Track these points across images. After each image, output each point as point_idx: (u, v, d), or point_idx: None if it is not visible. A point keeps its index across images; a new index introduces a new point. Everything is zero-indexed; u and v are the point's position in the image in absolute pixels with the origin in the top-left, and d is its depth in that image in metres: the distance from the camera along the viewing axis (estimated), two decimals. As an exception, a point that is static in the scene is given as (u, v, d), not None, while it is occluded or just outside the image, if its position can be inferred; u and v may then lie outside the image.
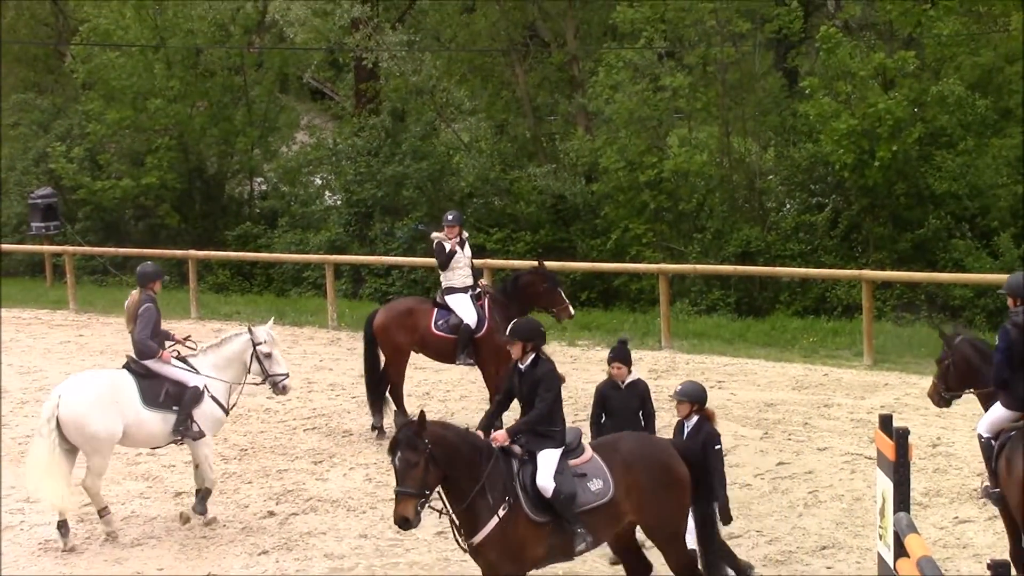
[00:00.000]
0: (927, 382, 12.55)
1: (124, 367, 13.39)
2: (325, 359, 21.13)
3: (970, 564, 11.51)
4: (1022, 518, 10.58)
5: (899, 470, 9.03)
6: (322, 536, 12.94)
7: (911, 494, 9.23)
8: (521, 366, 10.17)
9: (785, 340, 21.53)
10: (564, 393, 17.48)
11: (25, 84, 38.44)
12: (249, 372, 13.46)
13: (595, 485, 9.90)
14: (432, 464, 9.32)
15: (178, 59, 33.57)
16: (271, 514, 13.59)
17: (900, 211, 25.93)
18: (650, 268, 23.89)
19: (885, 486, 9.31)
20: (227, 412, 13.53)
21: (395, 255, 28.48)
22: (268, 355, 13.41)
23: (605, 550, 11.10)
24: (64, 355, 22.05)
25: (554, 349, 20.97)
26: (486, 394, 16.57)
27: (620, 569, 11.53)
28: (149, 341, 13.20)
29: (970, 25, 26.91)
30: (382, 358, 16.50)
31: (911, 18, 26.53)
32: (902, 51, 25.88)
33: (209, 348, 13.53)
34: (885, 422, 9.45)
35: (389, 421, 16.28)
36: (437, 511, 9.72)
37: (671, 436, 11.34)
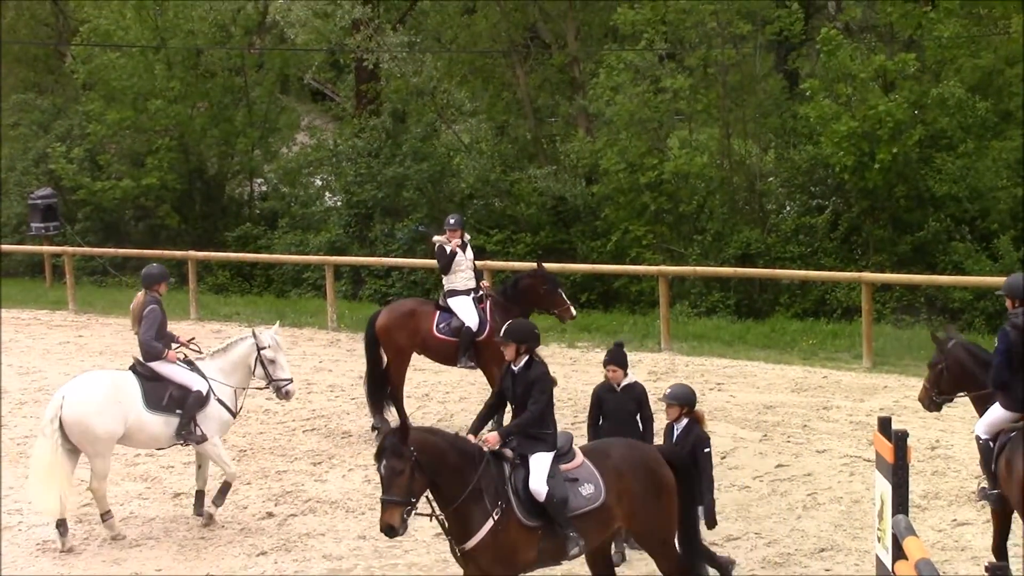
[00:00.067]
0: (926, 385, 12.53)
1: (130, 369, 13.37)
2: (324, 360, 21.13)
3: (968, 567, 11.50)
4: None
5: (898, 472, 9.02)
6: (321, 537, 12.94)
7: (910, 496, 9.21)
8: (514, 368, 10.13)
9: (785, 342, 21.54)
10: (564, 395, 17.70)
11: (25, 84, 38.45)
12: (253, 376, 13.47)
13: (586, 490, 9.88)
14: (418, 471, 9.27)
15: (179, 60, 33.58)
16: (270, 515, 13.59)
17: (900, 213, 25.92)
18: (650, 270, 23.88)
19: (884, 488, 9.31)
20: (235, 415, 13.53)
21: (395, 256, 28.47)
22: (272, 360, 13.42)
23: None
24: (63, 356, 22.06)
25: (553, 351, 21.01)
26: (487, 396, 16.54)
27: (620, 570, 11.53)
28: (154, 342, 13.21)
29: (970, 27, 26.90)
30: (384, 359, 16.50)
31: (911, 20, 26.55)
32: (902, 53, 25.89)
33: (216, 352, 13.56)
34: (884, 424, 9.44)
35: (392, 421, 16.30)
36: (427, 516, 9.68)
37: (663, 439, 11.35)
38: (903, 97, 25.42)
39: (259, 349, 13.36)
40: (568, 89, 31.22)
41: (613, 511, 10.00)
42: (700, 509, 10.74)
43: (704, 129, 29.27)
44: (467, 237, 16.85)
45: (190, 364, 13.33)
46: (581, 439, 11.86)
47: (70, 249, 28.85)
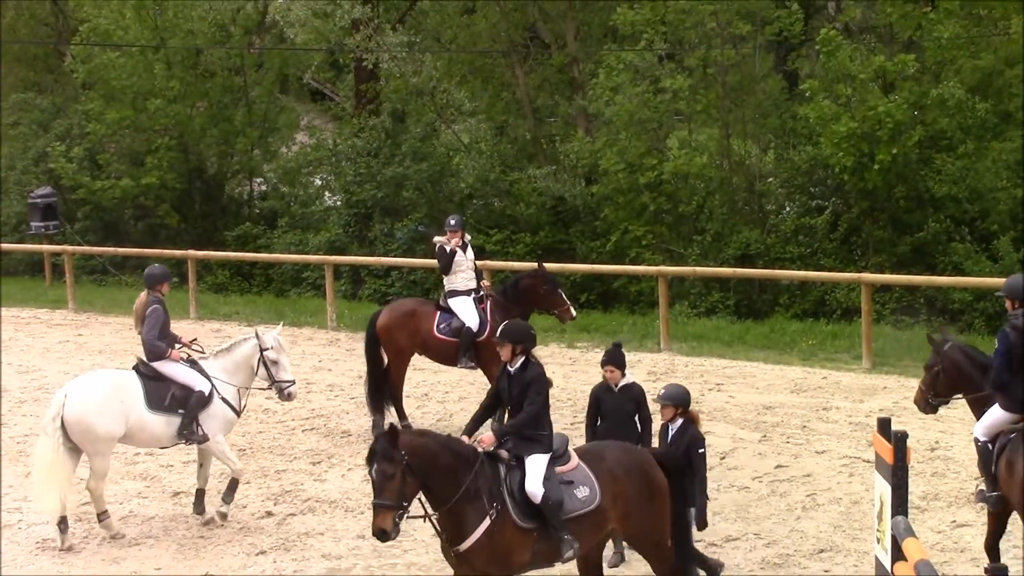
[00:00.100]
0: (925, 386, 12.53)
1: (133, 369, 13.37)
2: (324, 360, 21.13)
3: (968, 568, 11.50)
4: None
5: (897, 474, 9.02)
6: (320, 537, 12.94)
7: (909, 498, 9.21)
8: (511, 369, 10.10)
9: (784, 343, 21.54)
10: (563, 395, 17.71)
11: (25, 83, 38.45)
12: (256, 376, 13.48)
13: (582, 493, 9.86)
14: (409, 475, 9.25)
15: (178, 59, 33.58)
16: (269, 514, 13.60)
17: (900, 214, 25.92)
18: (649, 270, 23.87)
19: (883, 489, 9.31)
20: (238, 413, 13.54)
21: (394, 256, 28.47)
22: (275, 362, 13.43)
23: (604, 552, 11.08)
24: (63, 354, 22.07)
25: (553, 351, 21.02)
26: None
27: (619, 570, 11.54)
28: (157, 342, 13.22)
29: (970, 28, 26.90)
30: (384, 359, 16.50)
31: (911, 21, 26.55)
32: (902, 54, 25.89)
33: (219, 352, 13.57)
34: (884, 425, 9.44)
35: (392, 420, 16.31)
36: (420, 517, 9.63)
37: (658, 439, 11.35)
38: (903, 98, 25.42)
39: (262, 350, 13.36)
40: (568, 89, 31.22)
41: (607, 514, 10.00)
42: (691, 511, 10.73)
43: (704, 129, 29.27)
44: (468, 238, 16.85)
45: (193, 363, 13.34)
46: (579, 439, 11.87)
47: (70, 248, 28.85)
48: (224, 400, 13.26)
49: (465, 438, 9.98)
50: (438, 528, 9.68)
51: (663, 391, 11.27)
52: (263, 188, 35.22)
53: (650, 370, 19.37)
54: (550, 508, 9.68)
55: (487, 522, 9.50)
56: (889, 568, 9.07)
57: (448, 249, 16.38)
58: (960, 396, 11.54)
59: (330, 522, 13.34)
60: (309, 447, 16.06)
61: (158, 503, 14.11)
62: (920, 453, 14.47)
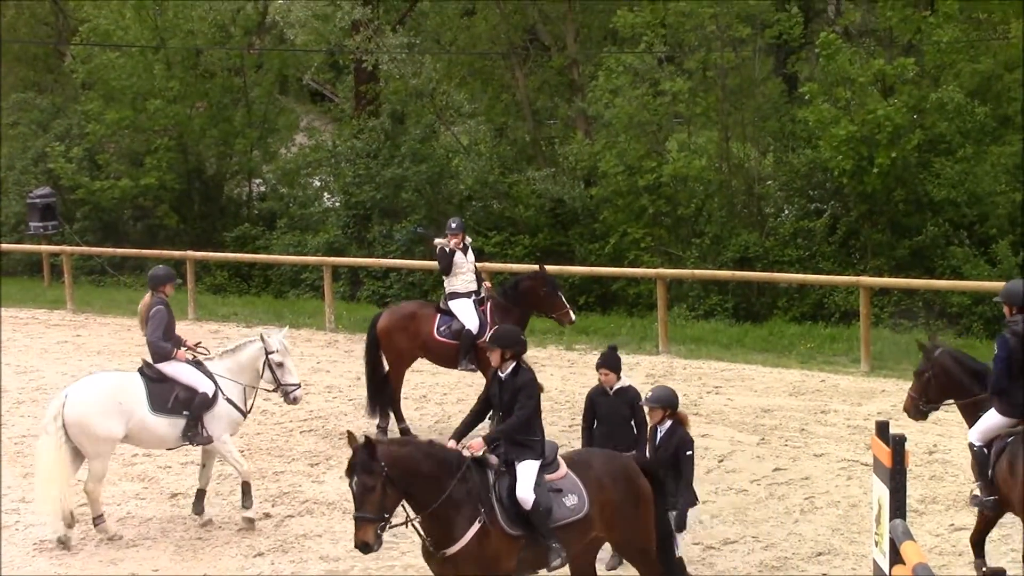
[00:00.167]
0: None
1: (138, 371, 13.37)
2: (322, 361, 21.13)
3: (966, 571, 11.50)
4: None
5: (895, 477, 9.01)
6: (318, 538, 12.93)
7: (907, 501, 9.21)
8: (501, 374, 10.07)
9: (782, 346, 21.54)
10: (561, 397, 17.71)
11: (25, 83, 38.46)
12: (261, 379, 13.47)
13: (570, 501, 9.83)
14: (390, 486, 9.18)
15: (178, 60, 33.60)
16: (267, 516, 13.59)
17: (898, 218, 25.93)
18: (648, 273, 23.87)
19: (881, 492, 9.31)
20: (244, 414, 13.54)
21: (393, 258, 28.47)
22: (280, 364, 13.42)
23: (603, 554, 11.09)
24: (61, 355, 22.06)
25: (551, 353, 21.03)
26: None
27: (617, 572, 11.54)
28: (162, 343, 13.23)
29: (970, 32, 26.93)
30: (384, 361, 16.51)
31: (911, 25, 26.57)
32: (901, 58, 25.89)
33: (224, 353, 13.58)
34: (882, 428, 9.44)
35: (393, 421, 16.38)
36: (402, 524, 9.56)
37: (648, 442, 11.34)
38: (902, 101, 25.43)
39: (267, 353, 13.36)
40: (567, 91, 31.24)
41: (594, 522, 9.98)
42: (672, 514, 10.69)
43: (703, 132, 29.28)
44: (468, 240, 16.85)
45: (198, 364, 13.34)
46: (576, 442, 11.87)
47: (68, 248, 28.84)
48: (229, 401, 13.26)
49: (453, 443, 9.94)
50: (421, 532, 9.63)
51: (650, 393, 11.26)
52: (262, 189, 35.22)
53: (648, 372, 19.37)
54: (539, 515, 9.64)
55: (475, 527, 9.45)
56: (887, 571, 9.07)
57: (448, 249, 16.39)
58: (951, 402, 11.54)
59: (328, 524, 13.34)
60: (307, 449, 16.05)
61: (156, 504, 14.10)
62: (918, 456, 14.47)
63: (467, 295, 16.38)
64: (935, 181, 25.51)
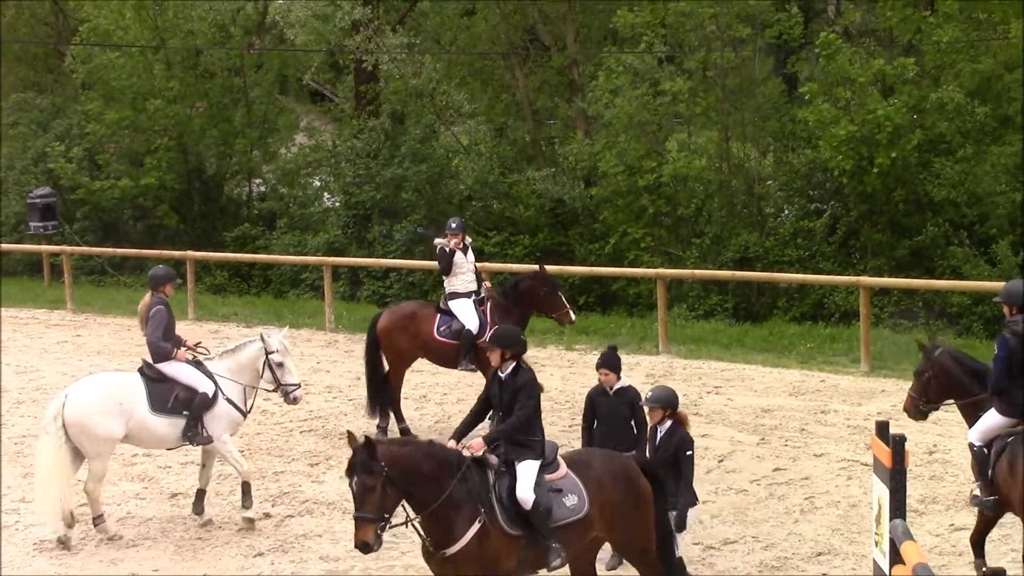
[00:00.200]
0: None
1: (138, 371, 13.37)
2: (322, 361, 21.13)
3: (966, 571, 11.50)
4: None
5: (895, 477, 9.02)
6: (318, 539, 12.93)
7: (907, 501, 9.21)
8: (501, 374, 10.06)
9: (782, 346, 21.54)
10: (562, 397, 17.71)
11: (25, 83, 38.46)
12: (261, 379, 13.47)
13: (570, 501, 9.82)
14: (390, 486, 9.17)
15: (178, 60, 33.60)
16: (267, 516, 13.58)
17: (898, 218, 25.93)
18: (648, 273, 23.87)
19: (881, 493, 9.31)
20: (244, 414, 13.53)
21: (393, 258, 28.47)
22: (280, 364, 13.43)
23: (603, 554, 11.09)
24: (61, 355, 22.06)
25: (551, 353, 21.03)
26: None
27: (617, 572, 11.53)
28: (162, 343, 13.23)
29: (970, 32, 26.92)
30: (384, 361, 16.51)
31: (911, 25, 26.56)
32: (902, 58, 25.89)
33: (224, 353, 13.58)
34: (882, 429, 9.44)
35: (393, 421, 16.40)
36: (402, 524, 9.55)
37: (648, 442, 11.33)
38: (902, 101, 25.43)
39: (267, 353, 13.36)
40: (567, 91, 31.24)
41: (594, 523, 9.98)
42: (672, 515, 10.68)
43: (703, 132, 29.28)
44: (468, 240, 16.85)
45: (198, 364, 13.34)
46: (576, 442, 11.86)
47: (68, 248, 28.85)
48: (229, 401, 13.26)
49: (453, 443, 9.93)
50: (420, 532, 9.62)
51: (650, 393, 11.24)
52: (262, 189, 35.22)
53: (648, 372, 19.37)
54: (539, 515, 9.64)
55: (475, 527, 9.44)
56: (887, 571, 9.07)
57: (448, 249, 16.39)
58: (951, 402, 11.54)
59: (328, 524, 13.33)
60: (307, 449, 16.05)
61: (156, 504, 14.10)
62: (918, 456, 14.47)
63: (467, 295, 16.38)
64: (935, 181, 25.51)
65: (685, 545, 12.06)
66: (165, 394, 13.06)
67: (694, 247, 27.24)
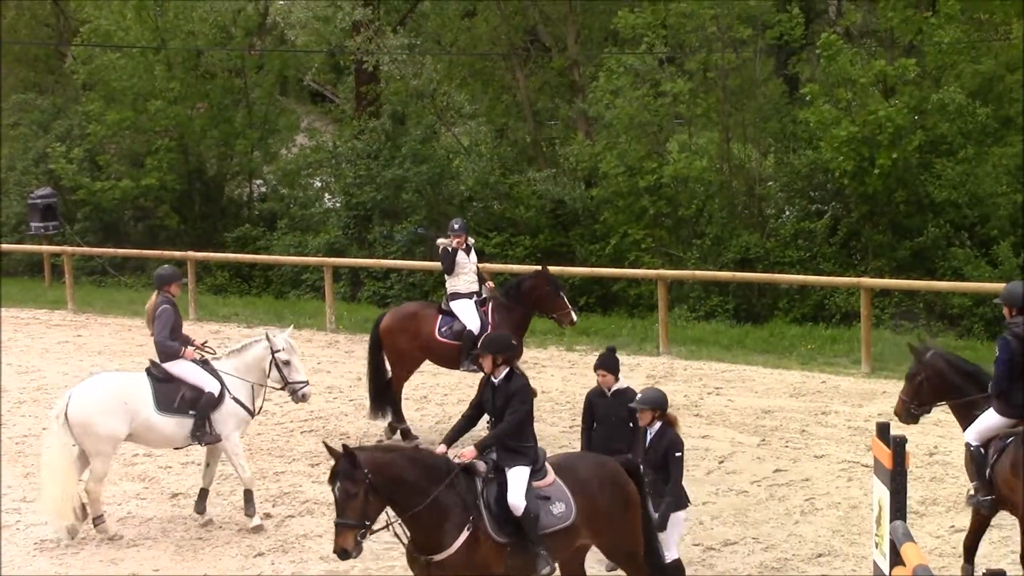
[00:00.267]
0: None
1: (145, 371, 13.38)
2: (323, 361, 21.12)
3: (966, 573, 11.51)
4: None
5: (896, 478, 9.01)
6: (318, 539, 12.93)
7: (908, 502, 9.21)
8: (494, 380, 10.03)
9: (783, 347, 21.54)
10: (562, 398, 17.73)
11: (25, 84, 38.45)
12: (268, 378, 13.47)
13: (557, 508, 9.78)
14: (372, 494, 9.14)
15: (179, 61, 33.61)
16: (267, 516, 13.59)
17: (899, 219, 25.93)
18: (649, 274, 23.87)
19: (882, 494, 9.31)
20: (252, 413, 13.54)
21: (394, 258, 28.47)
22: (287, 362, 13.43)
23: (602, 555, 11.08)
24: (62, 355, 22.06)
25: (552, 354, 21.04)
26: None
27: (617, 573, 11.53)
28: (169, 342, 13.26)
29: (971, 33, 26.91)
30: (386, 361, 16.51)
31: (912, 26, 26.56)
32: (903, 59, 25.89)
33: (231, 353, 13.60)
34: (882, 430, 9.44)
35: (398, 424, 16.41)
36: (383, 528, 9.49)
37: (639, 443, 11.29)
38: (903, 102, 25.43)
39: (273, 352, 13.37)
40: (568, 92, 31.24)
41: (580, 530, 9.94)
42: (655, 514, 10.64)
43: (704, 133, 29.28)
44: (471, 241, 16.85)
45: (205, 364, 13.35)
46: (576, 444, 11.84)
47: (69, 249, 28.85)
48: (236, 400, 13.27)
49: (444, 448, 9.91)
50: (404, 536, 9.55)
51: (640, 396, 11.13)
52: (263, 190, 35.22)
53: (649, 374, 19.38)
54: (530, 522, 9.60)
55: (465, 535, 9.40)
56: (887, 572, 9.07)
57: (450, 249, 16.39)
58: (943, 404, 11.53)
59: (328, 524, 13.26)
60: (308, 449, 16.05)
61: (156, 504, 14.11)
62: (919, 458, 14.48)
63: (469, 296, 16.38)
64: (936, 182, 25.51)
65: (685, 546, 12.08)
66: (171, 394, 13.07)
67: (695, 248, 27.24)
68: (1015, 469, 10.53)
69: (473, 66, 33.05)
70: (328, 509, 13.72)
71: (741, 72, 28.15)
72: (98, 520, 13.03)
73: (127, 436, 13.09)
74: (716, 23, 27.73)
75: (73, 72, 35.22)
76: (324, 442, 9.60)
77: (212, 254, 29.72)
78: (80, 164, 33.53)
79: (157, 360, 13.33)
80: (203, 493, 13.52)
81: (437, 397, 18.42)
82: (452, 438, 10.11)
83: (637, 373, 19.06)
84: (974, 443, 10.92)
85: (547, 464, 9.99)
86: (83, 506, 12.94)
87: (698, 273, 24.49)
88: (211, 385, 13.15)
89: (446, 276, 16.56)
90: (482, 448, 9.83)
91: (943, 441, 15.25)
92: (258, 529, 13.19)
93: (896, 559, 8.81)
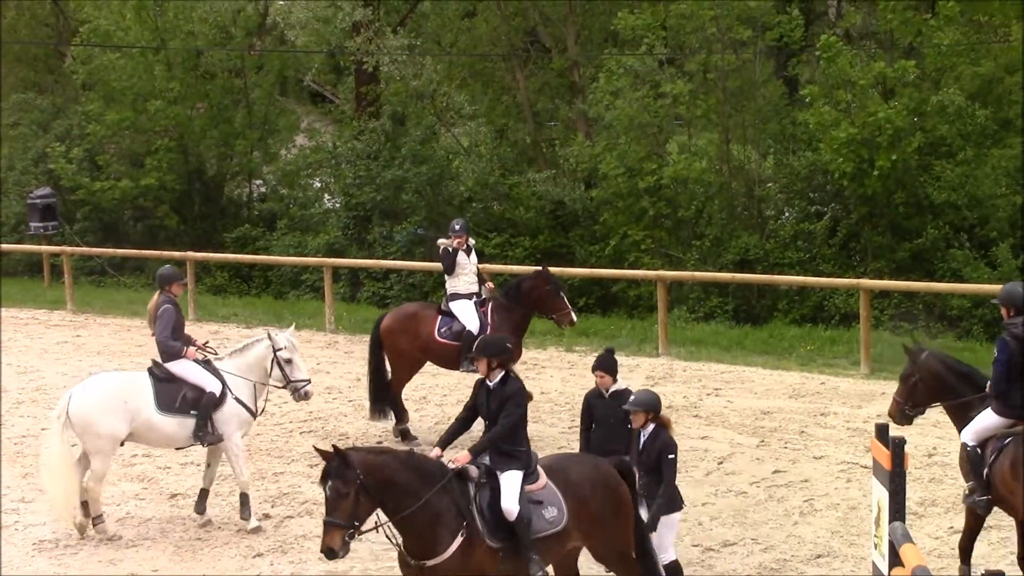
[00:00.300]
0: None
1: (148, 370, 13.39)
2: (322, 362, 21.12)
3: (965, 574, 11.51)
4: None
5: (895, 479, 9.02)
6: (317, 539, 12.83)
7: (907, 503, 9.21)
8: (489, 383, 10.02)
9: (782, 348, 21.53)
10: (562, 399, 17.73)
11: (25, 84, 38.45)
12: (270, 377, 13.47)
13: (550, 513, 9.75)
14: (364, 495, 9.13)
15: (178, 61, 33.62)
16: (267, 517, 13.59)
17: (899, 220, 25.93)
18: (648, 275, 23.86)
19: (881, 495, 9.31)
20: (255, 414, 13.53)
21: (393, 259, 28.47)
22: (289, 361, 13.44)
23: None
24: (61, 355, 22.05)
25: (551, 354, 21.04)
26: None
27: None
28: (171, 341, 13.26)
29: (970, 35, 26.92)
30: (387, 362, 16.52)
31: (911, 27, 26.56)
32: (902, 60, 25.88)
33: (233, 353, 13.60)
34: (881, 431, 9.44)
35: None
36: (372, 529, 9.45)
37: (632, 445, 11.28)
38: (902, 104, 25.43)
39: (275, 350, 13.37)
40: (568, 93, 31.25)
41: (572, 533, 9.92)
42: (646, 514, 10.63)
43: (703, 134, 29.27)
44: (472, 241, 16.86)
45: (207, 364, 13.35)
46: (576, 444, 11.83)
47: (68, 249, 28.85)
48: (238, 400, 13.27)
49: (438, 451, 9.90)
50: (395, 539, 9.50)
51: (633, 397, 11.08)
52: (262, 190, 35.23)
53: (648, 374, 19.38)
54: (523, 527, 9.57)
55: (459, 540, 9.36)
56: (886, 573, 9.07)
57: (451, 249, 16.39)
58: (937, 405, 11.52)
59: (327, 525, 13.31)
60: (307, 450, 16.02)
61: (155, 505, 14.10)
62: (918, 459, 14.48)
63: (468, 296, 16.38)
64: (935, 184, 25.51)
65: (684, 547, 12.10)
66: (172, 393, 13.08)
67: (694, 249, 27.24)
68: (1015, 470, 10.52)
69: (473, 67, 33.06)
70: (327, 510, 13.75)
71: (741, 73, 28.15)
72: (97, 520, 13.04)
73: (128, 435, 13.10)
74: (716, 24, 27.73)
75: (73, 72, 35.23)
76: (314, 446, 9.59)
77: (211, 254, 29.72)
78: (80, 164, 33.53)
79: (159, 360, 13.34)
80: (203, 493, 13.52)
81: (436, 398, 18.41)
82: (446, 441, 10.09)
83: (636, 374, 19.06)
84: (971, 443, 10.92)
85: (539, 467, 9.96)
86: (84, 504, 12.95)
87: (698, 274, 24.49)
88: (212, 385, 13.16)
89: (446, 276, 16.56)
90: (476, 452, 9.80)
91: (942, 442, 15.26)
92: (257, 530, 13.20)
93: (895, 560, 8.82)
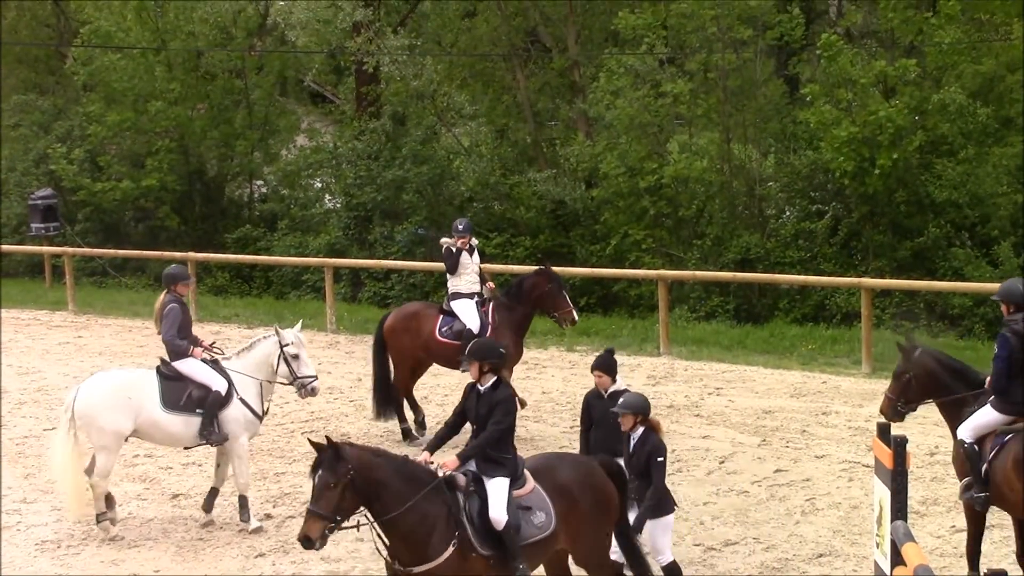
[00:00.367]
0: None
1: (155, 369, 13.40)
2: (324, 362, 21.11)
3: (967, 573, 11.48)
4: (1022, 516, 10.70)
5: (897, 478, 9.02)
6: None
7: (908, 502, 9.21)
8: (480, 387, 9.98)
9: (784, 347, 21.54)
10: (563, 399, 17.74)
11: (26, 85, 38.44)
12: (276, 374, 13.47)
13: (538, 519, 9.70)
14: (351, 490, 9.10)
15: (179, 61, 33.62)
16: (268, 517, 13.60)
17: (900, 219, 25.93)
18: (649, 274, 23.87)
19: (882, 494, 9.31)
20: (260, 416, 13.52)
21: (394, 259, 28.47)
22: (295, 356, 13.44)
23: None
24: (62, 356, 22.06)
25: (552, 354, 21.05)
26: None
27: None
28: (178, 340, 13.27)
29: (971, 33, 26.90)
30: (390, 361, 16.54)
31: (912, 26, 26.55)
32: (903, 59, 25.89)
33: (240, 352, 13.62)
34: (883, 430, 9.44)
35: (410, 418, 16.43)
36: (352, 527, 9.42)
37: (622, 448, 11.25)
38: (904, 103, 25.43)
39: (282, 347, 13.37)
40: (568, 93, 31.24)
41: (559, 537, 9.88)
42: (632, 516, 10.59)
43: (704, 134, 29.27)
44: (475, 241, 16.86)
45: (214, 364, 13.35)
46: (575, 444, 11.82)
47: (70, 250, 28.86)
48: (244, 402, 13.27)
49: (427, 455, 9.86)
50: (381, 543, 9.45)
51: (622, 400, 11.03)
52: (263, 190, 35.23)
53: (649, 374, 19.38)
54: (510, 537, 9.53)
55: (451, 549, 9.32)
56: (888, 572, 9.07)
57: (454, 249, 16.40)
58: (929, 401, 11.50)
59: (329, 525, 13.31)
60: (308, 450, 15.91)
61: (157, 505, 14.11)
62: (919, 458, 14.48)
63: (469, 296, 16.39)
64: (937, 182, 25.51)
65: (686, 546, 12.11)
66: (178, 392, 13.09)
67: (695, 248, 27.24)
68: (1016, 466, 10.51)
69: (473, 67, 33.06)
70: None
71: (741, 73, 28.15)
72: (101, 517, 13.05)
73: (133, 432, 13.12)
74: (716, 24, 27.73)
75: (73, 73, 35.22)
76: (309, 438, 9.58)
77: (213, 255, 29.72)
78: (81, 165, 33.53)
79: (168, 359, 13.36)
80: (213, 492, 13.55)
81: (437, 397, 18.40)
82: (435, 445, 10.05)
83: (638, 373, 19.07)
84: (968, 439, 10.90)
85: (525, 471, 9.90)
86: (108, 496, 12.97)
87: (698, 273, 24.48)
88: (219, 384, 13.17)
89: (448, 276, 16.57)
90: (464, 458, 9.75)
91: (944, 441, 15.21)
92: (258, 530, 13.20)
93: (897, 559, 8.82)
